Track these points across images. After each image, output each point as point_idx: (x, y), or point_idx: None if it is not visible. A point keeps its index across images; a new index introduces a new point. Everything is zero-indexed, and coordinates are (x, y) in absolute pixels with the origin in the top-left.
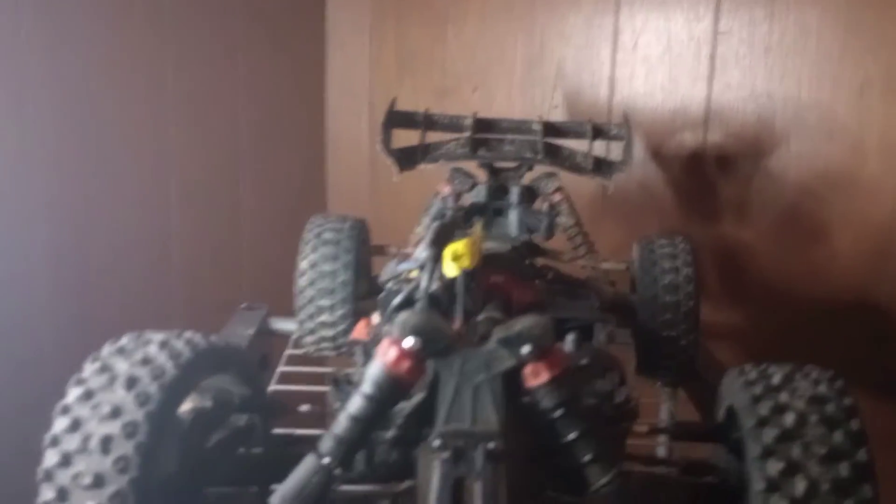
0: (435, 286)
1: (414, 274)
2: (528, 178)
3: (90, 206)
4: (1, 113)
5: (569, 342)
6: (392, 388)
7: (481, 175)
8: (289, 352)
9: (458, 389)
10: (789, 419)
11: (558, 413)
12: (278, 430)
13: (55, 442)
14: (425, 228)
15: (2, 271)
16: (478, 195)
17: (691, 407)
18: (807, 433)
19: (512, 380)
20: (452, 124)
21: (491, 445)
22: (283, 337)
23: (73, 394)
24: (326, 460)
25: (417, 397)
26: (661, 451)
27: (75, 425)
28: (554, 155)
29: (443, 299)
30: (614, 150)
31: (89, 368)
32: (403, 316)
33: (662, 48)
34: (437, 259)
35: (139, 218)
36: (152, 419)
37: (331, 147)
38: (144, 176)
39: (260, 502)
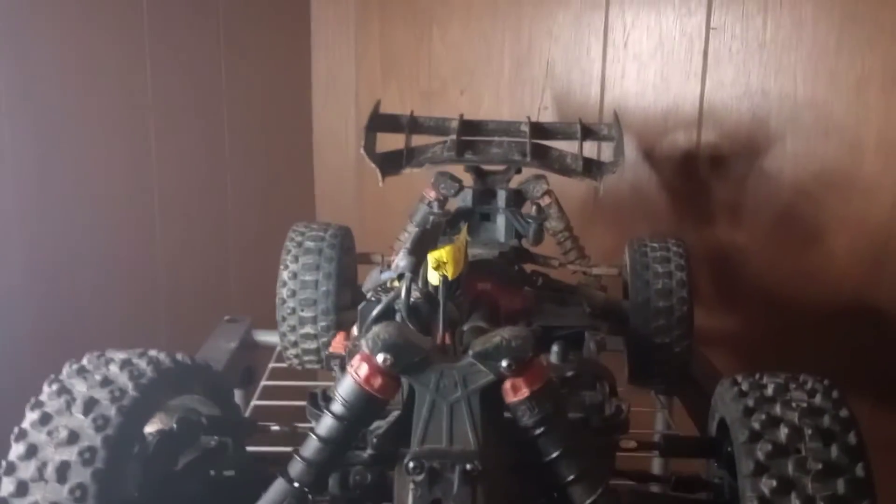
0: (416, 295)
1: (396, 283)
2: (516, 181)
3: (71, 219)
4: None
5: (554, 353)
6: (365, 406)
7: (468, 179)
8: (272, 365)
9: (434, 407)
10: (783, 433)
11: (539, 430)
12: (254, 449)
13: (11, 469)
14: (409, 235)
15: None
16: (464, 199)
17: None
18: (801, 448)
19: (492, 395)
20: (438, 127)
21: (468, 466)
22: (270, 350)
23: (29, 418)
24: (296, 485)
25: (393, 415)
26: (658, 464)
27: (31, 451)
28: (542, 157)
29: (424, 309)
30: (605, 151)
31: (47, 391)
32: (376, 329)
33: (654, 45)
34: (416, 267)
35: (122, 229)
36: (111, 444)
37: (317, 153)
38: (126, 186)
39: None
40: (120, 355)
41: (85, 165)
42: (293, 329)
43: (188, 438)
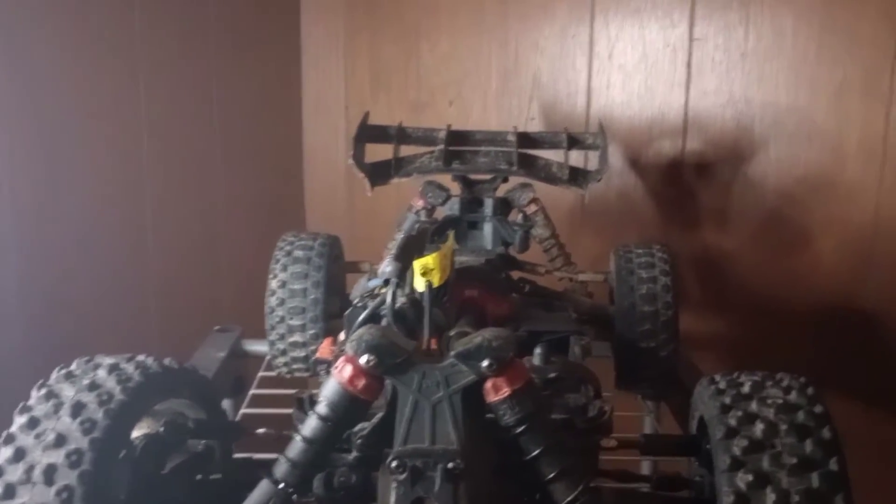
0: (402, 301)
1: (383, 289)
2: (502, 189)
3: (64, 230)
4: None
5: (537, 355)
6: (349, 407)
7: (455, 188)
8: (261, 374)
9: (417, 407)
10: (759, 429)
11: (520, 429)
12: (241, 455)
13: None
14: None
15: None
16: (451, 208)
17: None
18: (777, 443)
19: (474, 395)
20: (426, 137)
21: (450, 465)
22: (259, 359)
23: (17, 422)
24: (281, 486)
25: (377, 416)
26: (646, 467)
27: (19, 455)
28: (529, 166)
29: (410, 315)
30: (592, 160)
31: (35, 395)
32: (360, 331)
33: (638, 56)
34: (402, 273)
35: (115, 240)
36: (98, 447)
37: (307, 164)
38: (119, 197)
39: None
40: (108, 360)
41: (78, 177)
42: (282, 337)
43: (175, 442)
